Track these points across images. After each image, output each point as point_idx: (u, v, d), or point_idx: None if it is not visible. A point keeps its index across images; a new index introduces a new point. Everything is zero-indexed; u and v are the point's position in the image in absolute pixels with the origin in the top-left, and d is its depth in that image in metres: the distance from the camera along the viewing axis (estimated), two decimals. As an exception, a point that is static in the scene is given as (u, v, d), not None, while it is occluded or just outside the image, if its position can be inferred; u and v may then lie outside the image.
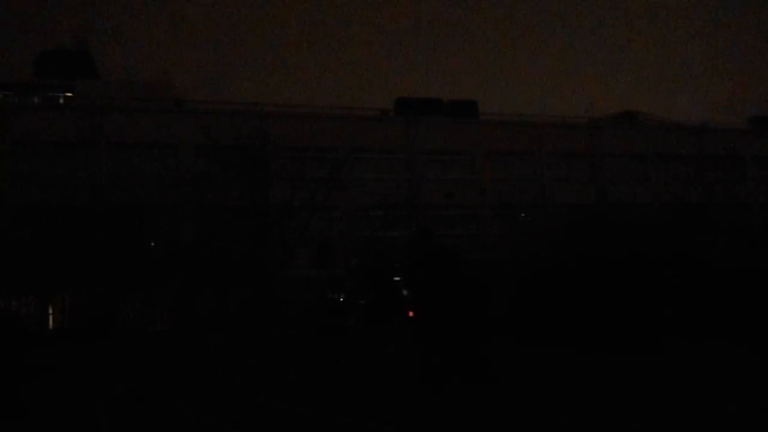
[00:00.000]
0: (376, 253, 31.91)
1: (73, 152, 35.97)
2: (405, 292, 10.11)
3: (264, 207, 33.99)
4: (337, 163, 35.65)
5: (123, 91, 38.71)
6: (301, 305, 37.78)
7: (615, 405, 7.66)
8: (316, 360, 15.48)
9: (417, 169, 41.75)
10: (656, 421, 6.74)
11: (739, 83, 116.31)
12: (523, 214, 41.90)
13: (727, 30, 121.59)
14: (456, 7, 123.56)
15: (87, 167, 35.48)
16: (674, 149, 47.05)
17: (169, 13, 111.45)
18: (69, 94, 39.58)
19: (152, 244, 34.90)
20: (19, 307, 33.23)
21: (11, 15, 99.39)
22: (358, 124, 41.10)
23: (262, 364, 15.42)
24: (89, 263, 31.45)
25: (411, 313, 9.52)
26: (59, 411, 9.40)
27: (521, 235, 37.82)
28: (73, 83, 39.58)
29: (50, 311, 34.87)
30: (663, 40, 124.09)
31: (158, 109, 38.33)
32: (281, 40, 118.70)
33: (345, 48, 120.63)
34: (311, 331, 26.39)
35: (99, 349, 22.73)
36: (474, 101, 45.47)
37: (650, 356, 11.14)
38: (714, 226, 37.28)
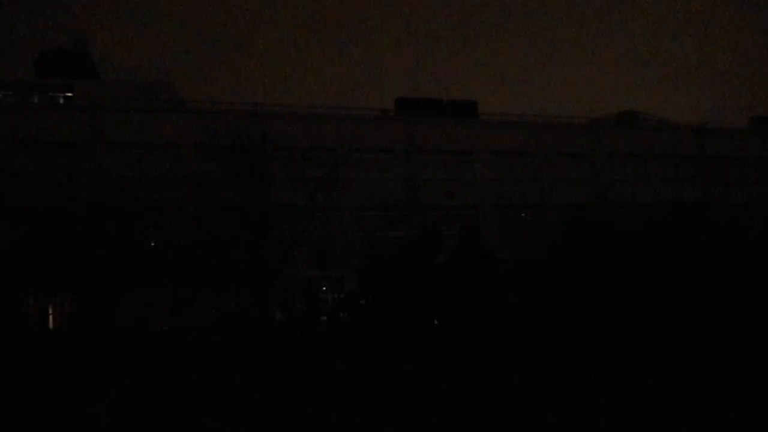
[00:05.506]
0: (376, 253, 31.90)
1: (73, 152, 35.96)
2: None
3: (264, 207, 33.97)
4: (337, 163, 35.63)
5: (123, 91, 38.68)
6: (301, 305, 37.82)
7: (619, 407, 7.65)
8: (316, 360, 15.48)
9: (417, 169, 41.74)
10: (662, 423, 6.74)
11: (739, 83, 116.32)
12: (523, 214, 41.91)
13: (726, 30, 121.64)
14: (456, 7, 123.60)
15: (87, 167, 35.45)
16: (674, 149, 47.05)
17: (170, 13, 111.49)
18: (69, 94, 39.55)
19: (152, 244, 34.89)
20: (18, 307, 33.20)
21: (11, 15, 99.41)
22: (358, 124, 41.10)
23: (261, 364, 15.43)
24: (89, 263, 31.43)
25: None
26: (59, 411, 9.40)
27: (522, 235, 37.89)
28: (73, 83, 39.55)
29: (50, 311, 34.86)
30: (663, 40, 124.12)
31: (158, 109, 38.32)
32: (281, 40, 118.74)
33: (345, 48, 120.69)
34: (311, 330, 26.39)
35: (99, 349, 22.73)
36: (474, 101, 45.49)
37: (657, 356, 11.11)
38: (714, 226, 37.33)
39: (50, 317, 34.89)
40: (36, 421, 8.76)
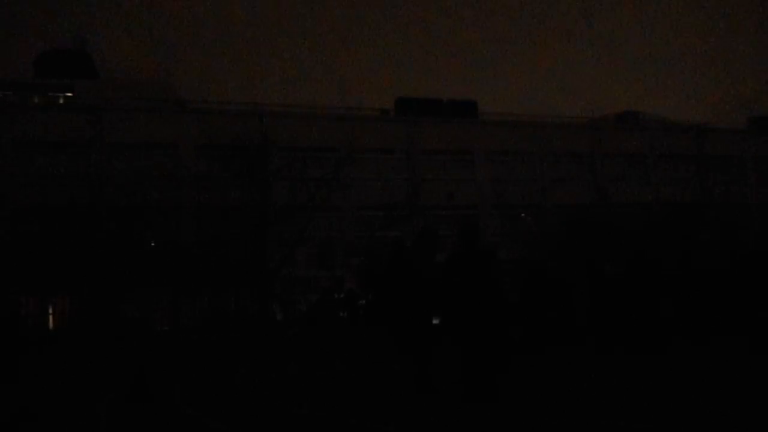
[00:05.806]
0: (376, 253, 31.92)
1: (73, 152, 35.98)
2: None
3: (264, 207, 34.00)
4: (337, 163, 35.67)
5: (123, 91, 38.71)
6: (301, 305, 37.83)
7: (619, 407, 7.65)
8: (316, 360, 15.48)
9: (417, 169, 41.75)
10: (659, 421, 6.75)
11: (739, 83, 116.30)
12: (523, 214, 41.90)
13: (726, 30, 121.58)
14: (456, 7, 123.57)
15: (87, 167, 35.46)
16: (674, 149, 47.07)
17: (169, 13, 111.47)
18: (69, 94, 39.56)
19: (152, 244, 34.91)
20: (17, 307, 33.21)
21: (11, 15, 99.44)
22: (358, 124, 41.09)
23: (261, 364, 15.43)
24: (89, 263, 31.45)
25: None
26: (59, 411, 9.40)
27: (522, 235, 37.89)
28: (73, 83, 39.57)
29: (50, 311, 34.86)
30: (663, 40, 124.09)
31: (158, 109, 38.35)
32: (281, 40, 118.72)
33: (345, 48, 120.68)
34: (310, 330, 26.37)
35: (99, 349, 22.72)
36: (474, 101, 45.47)
37: (657, 356, 11.10)
38: (714, 226, 37.37)
39: (50, 317, 34.89)
40: (36, 421, 8.76)
